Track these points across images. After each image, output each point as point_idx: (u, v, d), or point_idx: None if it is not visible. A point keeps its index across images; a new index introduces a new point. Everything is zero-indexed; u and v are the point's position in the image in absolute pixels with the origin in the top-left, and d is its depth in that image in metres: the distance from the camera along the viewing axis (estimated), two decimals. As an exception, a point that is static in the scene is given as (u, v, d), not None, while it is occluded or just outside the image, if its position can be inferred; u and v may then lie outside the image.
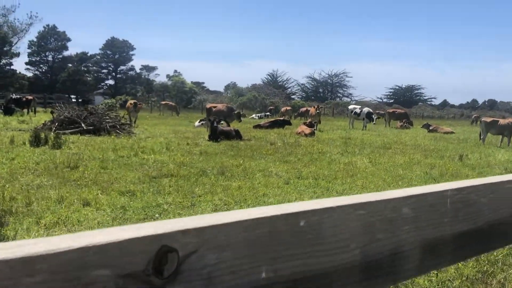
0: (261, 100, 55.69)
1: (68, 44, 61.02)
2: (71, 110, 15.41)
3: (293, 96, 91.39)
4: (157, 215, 5.90)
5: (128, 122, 16.30)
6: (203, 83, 75.77)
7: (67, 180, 7.70)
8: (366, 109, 25.61)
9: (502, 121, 18.72)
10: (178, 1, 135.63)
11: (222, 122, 21.51)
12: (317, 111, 23.04)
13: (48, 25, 59.30)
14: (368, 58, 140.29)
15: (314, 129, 20.01)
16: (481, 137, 18.96)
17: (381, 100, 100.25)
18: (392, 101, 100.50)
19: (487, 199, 1.00)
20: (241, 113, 23.63)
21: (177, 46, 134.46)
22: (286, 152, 13.13)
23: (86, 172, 8.45)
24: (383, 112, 34.61)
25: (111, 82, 64.04)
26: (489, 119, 19.10)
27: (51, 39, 60.47)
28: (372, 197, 0.78)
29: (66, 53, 61.64)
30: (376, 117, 26.06)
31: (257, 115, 39.47)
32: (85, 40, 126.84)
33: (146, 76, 66.25)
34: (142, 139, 14.57)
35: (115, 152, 10.87)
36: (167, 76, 64.24)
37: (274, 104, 53.23)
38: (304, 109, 37.39)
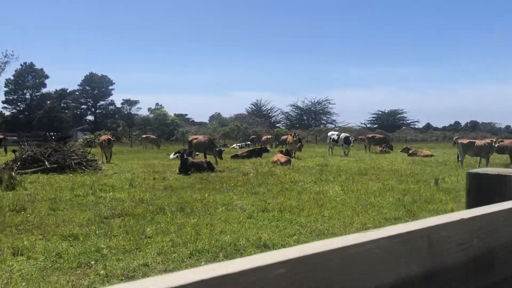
0: (244, 130, 55.39)
1: (47, 81, 60.73)
2: (34, 149, 14.82)
3: (278, 125, 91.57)
4: (92, 262, 5.34)
5: (94, 158, 15.71)
6: (186, 115, 75.30)
7: (7, 225, 7.11)
8: (343, 135, 25.39)
9: (478, 142, 18.54)
10: (158, 35, 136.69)
11: (197, 153, 21.09)
12: (294, 138, 22.74)
13: (25, 63, 58.93)
14: (350, 84, 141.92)
15: (291, 157, 19.63)
16: (459, 159, 18.72)
17: (365, 126, 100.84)
18: (375, 126, 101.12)
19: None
20: (222, 149, 22.79)
21: (160, 80, 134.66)
22: (257, 183, 12.66)
23: (32, 215, 7.87)
24: (363, 137, 34.51)
25: (91, 117, 63.40)
26: (465, 141, 18.92)
27: (28, 77, 59.82)
28: None
29: (45, 90, 61.21)
30: (353, 139, 25.87)
31: (238, 144, 39.09)
32: (64, 77, 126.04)
33: (128, 110, 65.75)
34: (108, 175, 13.99)
35: (72, 191, 10.29)
36: (149, 109, 63.83)
37: (257, 133, 52.97)
38: (285, 137, 36.97)
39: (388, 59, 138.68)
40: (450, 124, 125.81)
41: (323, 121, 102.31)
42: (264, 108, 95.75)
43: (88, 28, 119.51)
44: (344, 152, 24.65)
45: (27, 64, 59.23)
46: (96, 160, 15.57)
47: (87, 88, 62.37)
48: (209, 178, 13.61)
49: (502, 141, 18.72)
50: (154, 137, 44.20)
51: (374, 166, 18.17)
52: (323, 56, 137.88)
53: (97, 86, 61.95)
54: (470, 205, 1.33)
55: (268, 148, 26.39)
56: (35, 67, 59.91)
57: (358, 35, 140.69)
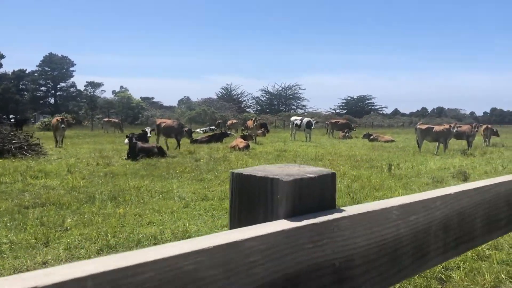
0: (211, 114, 54.56)
1: (2, 61, 57.62)
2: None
3: (248, 109, 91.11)
4: (-17, 260, 4.72)
5: (37, 142, 14.76)
6: (152, 98, 73.75)
7: None
8: (305, 120, 25.02)
9: (437, 128, 18.50)
10: (128, 17, 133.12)
11: (149, 134, 20.39)
12: (255, 123, 22.24)
13: (-21, 42, 55.80)
14: (321, 70, 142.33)
15: (255, 142, 19.20)
16: (418, 144, 18.66)
17: (334, 111, 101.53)
18: (344, 111, 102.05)
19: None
20: (192, 130, 22.42)
21: (128, 62, 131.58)
22: (207, 169, 12.14)
23: None
24: (327, 123, 34.38)
25: (51, 100, 60.87)
26: (424, 126, 18.85)
27: (-18, 57, 56.91)
28: None
29: (1, 71, 58.17)
30: (315, 121, 25.58)
31: (202, 129, 38.29)
32: (22, 58, 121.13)
33: (92, 93, 63.58)
34: (50, 160, 13.17)
35: (-1, 178, 9.52)
36: (113, 92, 61.93)
37: (224, 117, 52.28)
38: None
39: (358, 46, 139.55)
40: (417, 110, 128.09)
41: (293, 106, 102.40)
42: (234, 93, 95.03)
43: (48, 6, 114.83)
44: (306, 137, 24.32)
45: (-19, 43, 56.29)
46: (39, 144, 14.65)
47: (47, 69, 59.76)
48: (158, 164, 12.99)
49: (459, 127, 18.76)
50: (117, 120, 42.99)
51: (332, 151, 17.93)
52: (294, 42, 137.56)
53: (57, 67, 59.45)
54: (232, 224, 0.85)
55: (229, 133, 25.89)
56: (-11, 46, 56.93)
57: (328, 21, 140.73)
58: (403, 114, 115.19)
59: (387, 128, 66.49)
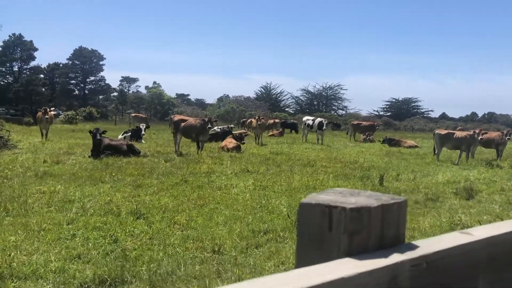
0: (240, 112, 53.10)
1: (36, 54, 58.64)
2: None
3: (287, 109, 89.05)
4: None
5: (1, 135, 13.74)
6: (188, 95, 73.21)
7: None
8: (317, 120, 22.87)
9: (458, 134, 15.98)
10: (170, 15, 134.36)
11: (143, 132, 19.08)
12: (259, 122, 20.41)
13: (14, 34, 57.08)
14: (366, 71, 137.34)
15: (242, 142, 17.41)
16: (435, 152, 16.22)
17: (377, 113, 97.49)
18: (388, 113, 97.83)
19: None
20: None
21: (169, 59, 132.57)
22: (163, 172, 10.57)
23: None
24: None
25: (80, 93, 61.25)
26: (443, 132, 16.37)
27: (17, 49, 58.02)
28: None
29: (38, 64, 59.20)
30: (326, 121, 23.30)
31: (219, 127, 36.78)
32: (55, 51, 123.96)
33: (127, 88, 63.75)
34: (2, 155, 12.04)
35: None
36: (146, 87, 61.75)
37: (252, 116, 50.76)
38: (271, 121, 35.00)
39: (407, 47, 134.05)
40: (467, 115, 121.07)
41: (333, 107, 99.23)
42: (274, 92, 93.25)
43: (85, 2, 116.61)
44: (318, 139, 22.21)
45: (16, 35, 57.42)
46: (2, 137, 13.63)
47: (77, 62, 60.27)
48: (116, 163, 11.52)
49: (485, 133, 16.17)
50: (144, 116, 42.84)
51: (333, 156, 15.82)
52: (340, 41, 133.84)
53: (86, 60, 59.83)
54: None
55: (243, 133, 24.27)
56: (23, 39, 57.97)
57: (377, 20, 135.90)
58: (451, 119, 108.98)
59: (429, 132, 62.36)
